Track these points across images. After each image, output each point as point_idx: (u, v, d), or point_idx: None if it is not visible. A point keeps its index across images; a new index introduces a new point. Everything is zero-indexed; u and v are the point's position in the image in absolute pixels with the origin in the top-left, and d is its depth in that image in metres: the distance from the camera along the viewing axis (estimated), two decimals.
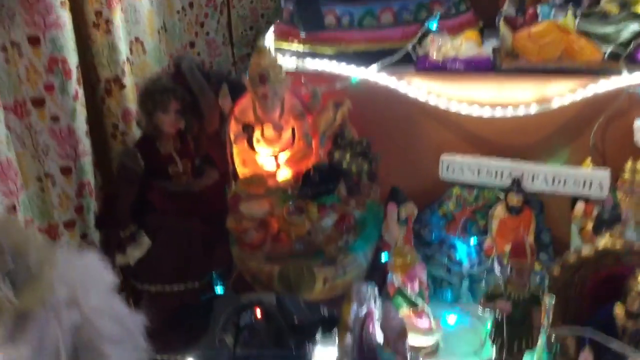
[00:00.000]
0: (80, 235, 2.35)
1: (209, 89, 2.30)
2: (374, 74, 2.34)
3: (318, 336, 1.61)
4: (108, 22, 2.45)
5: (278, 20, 2.64)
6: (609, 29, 2.24)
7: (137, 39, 2.79)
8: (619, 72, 2.22)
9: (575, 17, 2.26)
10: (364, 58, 2.39)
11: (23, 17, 2.08)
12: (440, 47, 2.32)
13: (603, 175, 2.11)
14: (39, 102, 2.23)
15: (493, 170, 2.25)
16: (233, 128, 2.16)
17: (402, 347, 1.63)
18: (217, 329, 1.92)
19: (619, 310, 1.67)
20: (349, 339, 1.55)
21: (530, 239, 2.02)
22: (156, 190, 2.33)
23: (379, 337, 1.73)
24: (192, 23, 3.36)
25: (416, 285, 1.96)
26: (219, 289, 2.32)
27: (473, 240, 2.28)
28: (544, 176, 2.18)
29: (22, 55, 2.14)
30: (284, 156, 2.21)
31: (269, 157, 2.20)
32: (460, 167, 2.28)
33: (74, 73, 2.27)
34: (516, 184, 2.17)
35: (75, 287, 1.16)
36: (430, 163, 2.32)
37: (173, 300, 2.28)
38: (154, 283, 2.26)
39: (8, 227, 1.15)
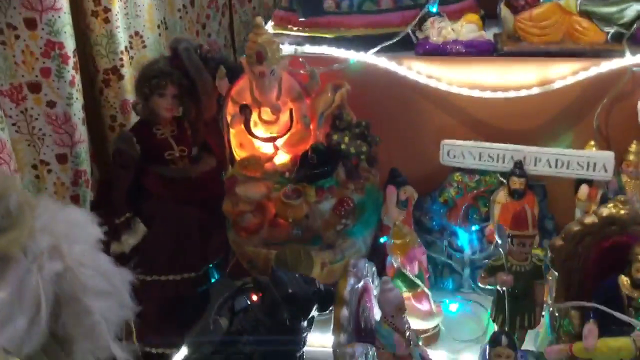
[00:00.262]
0: None
1: (206, 73, 2.27)
2: (373, 58, 2.31)
3: (314, 311, 1.54)
4: (107, 10, 2.43)
5: (277, 8, 2.63)
6: (611, 10, 2.21)
7: (137, 33, 2.77)
8: (622, 53, 2.18)
9: None
10: (364, 42, 2.38)
11: None
12: (440, 29, 2.29)
13: (607, 156, 2.07)
14: (35, 87, 2.20)
15: (495, 154, 2.21)
16: (230, 110, 2.12)
17: (400, 322, 1.57)
18: (212, 313, 1.88)
19: (624, 280, 1.61)
20: (345, 312, 1.50)
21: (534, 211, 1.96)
22: (152, 176, 2.29)
23: (377, 314, 1.68)
24: (193, 22, 3.35)
25: (415, 266, 1.91)
26: (215, 280, 2.27)
27: (475, 227, 2.22)
28: (547, 159, 2.14)
29: (19, 37, 2.12)
30: (281, 139, 2.16)
31: (267, 139, 2.15)
32: (461, 151, 2.24)
33: (71, 59, 2.25)
34: (518, 166, 2.12)
35: (58, 238, 1.13)
36: (431, 148, 2.29)
37: (168, 291, 2.23)
38: (149, 272, 2.21)
39: None
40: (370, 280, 1.71)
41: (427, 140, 2.32)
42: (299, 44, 2.42)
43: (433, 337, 2.01)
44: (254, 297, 1.84)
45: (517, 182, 2.12)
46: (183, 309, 2.21)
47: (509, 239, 1.72)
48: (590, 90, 2.21)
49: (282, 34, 2.52)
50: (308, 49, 2.40)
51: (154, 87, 2.23)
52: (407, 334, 1.62)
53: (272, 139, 2.19)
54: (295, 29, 2.48)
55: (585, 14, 2.25)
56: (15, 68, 2.14)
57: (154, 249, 2.23)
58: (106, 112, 2.58)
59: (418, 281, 1.89)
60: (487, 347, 1.62)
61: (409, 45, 2.40)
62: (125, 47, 2.58)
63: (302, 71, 2.20)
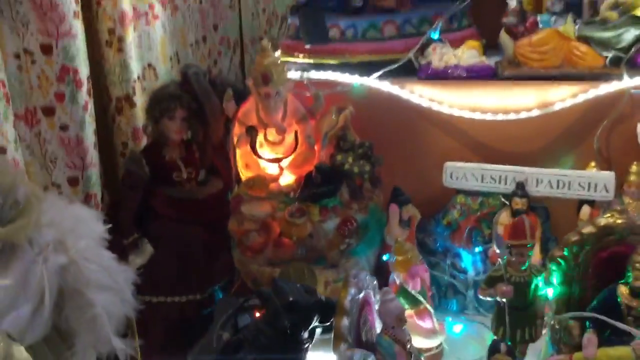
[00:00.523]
0: None
1: (214, 97, 2.34)
2: (376, 82, 2.38)
3: (316, 321, 1.55)
4: (120, 40, 2.52)
5: (285, 37, 2.72)
6: (609, 34, 2.27)
7: (149, 65, 2.86)
8: (620, 77, 2.23)
9: (575, 23, 2.29)
10: (368, 68, 2.45)
11: (37, 25, 2.14)
12: (442, 55, 2.36)
13: (608, 176, 2.09)
14: (49, 111, 2.27)
15: (497, 176, 2.23)
16: (237, 131, 2.18)
17: (400, 333, 1.58)
18: (216, 330, 1.89)
19: (622, 289, 1.61)
20: (345, 322, 1.51)
21: (537, 234, 1.97)
22: (160, 197, 2.34)
23: (378, 327, 1.68)
24: (205, 57, 3.45)
25: (418, 283, 1.91)
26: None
27: (478, 249, 2.23)
28: (548, 180, 2.16)
29: (35, 62, 2.20)
30: (286, 160, 2.21)
31: (272, 160, 2.20)
32: (463, 174, 2.26)
33: (85, 84, 2.33)
34: (520, 187, 2.14)
35: (64, 232, 1.16)
36: (434, 170, 2.32)
37: (174, 313, 2.24)
38: (155, 294, 2.23)
39: None
40: (372, 294, 1.71)
41: (430, 162, 2.35)
42: (305, 69, 2.49)
43: (436, 356, 2.00)
44: (257, 314, 1.85)
45: (519, 203, 2.14)
46: (188, 331, 2.22)
47: (508, 249, 1.73)
48: (590, 112, 2.25)
49: (289, 61, 2.60)
50: (314, 74, 2.47)
51: (164, 110, 2.30)
52: (408, 345, 1.61)
53: (277, 160, 2.24)
54: (301, 56, 2.56)
55: (584, 39, 2.31)
56: (31, 92, 2.21)
57: (160, 270, 2.25)
58: (118, 139, 2.65)
59: (420, 297, 1.89)
60: (486, 356, 1.61)
61: (412, 71, 2.46)
62: (138, 77, 2.66)
63: (307, 94, 2.26)
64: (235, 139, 2.19)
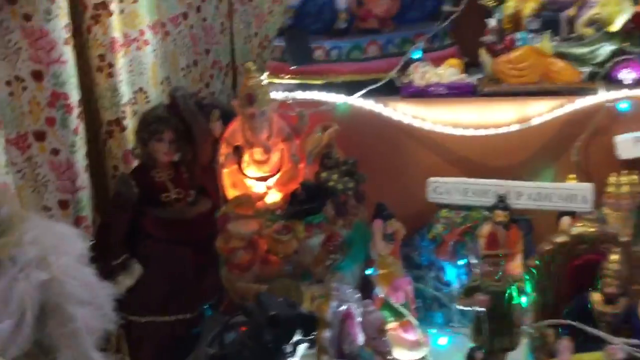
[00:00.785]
0: None
1: (202, 118, 2.39)
2: (360, 100, 2.43)
3: (298, 335, 1.59)
4: (111, 65, 2.58)
5: (270, 59, 2.78)
6: (585, 50, 2.34)
7: (141, 89, 2.91)
8: (596, 92, 2.28)
9: (553, 40, 2.35)
10: (352, 87, 2.51)
11: (28, 52, 2.20)
12: (423, 73, 2.42)
13: (586, 188, 2.13)
14: (40, 135, 2.32)
15: (479, 190, 2.27)
16: (223, 151, 2.23)
17: (381, 344, 1.61)
18: (203, 347, 1.91)
19: (594, 296, 1.65)
20: (327, 334, 1.54)
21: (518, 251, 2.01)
22: (149, 218, 2.37)
23: (361, 338, 1.71)
24: (197, 81, 3.51)
25: (401, 296, 1.95)
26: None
27: (462, 262, 2.27)
28: (529, 193, 2.20)
29: (26, 89, 2.25)
30: (272, 178, 2.26)
31: (259, 179, 2.25)
32: (446, 188, 2.31)
33: (75, 108, 2.37)
34: (501, 200, 2.18)
35: (47, 250, 1.20)
36: (418, 186, 2.36)
37: (163, 332, 2.26)
38: (144, 314, 2.25)
39: None
40: (354, 307, 1.74)
41: (414, 178, 2.40)
42: (290, 90, 2.55)
43: None
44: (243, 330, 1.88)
45: (501, 215, 2.17)
46: (179, 350, 2.24)
47: (483, 260, 1.76)
48: (568, 126, 2.30)
49: (275, 82, 2.66)
50: (299, 94, 2.53)
51: (152, 132, 2.34)
52: (389, 356, 1.64)
53: (263, 178, 2.28)
54: (287, 77, 2.62)
55: (561, 56, 2.38)
56: (22, 117, 2.26)
57: (149, 290, 2.27)
58: (109, 164, 2.68)
59: (404, 310, 1.92)
60: None
61: (395, 90, 2.52)
62: (129, 101, 2.71)
63: (291, 113, 2.32)
64: (222, 159, 2.24)
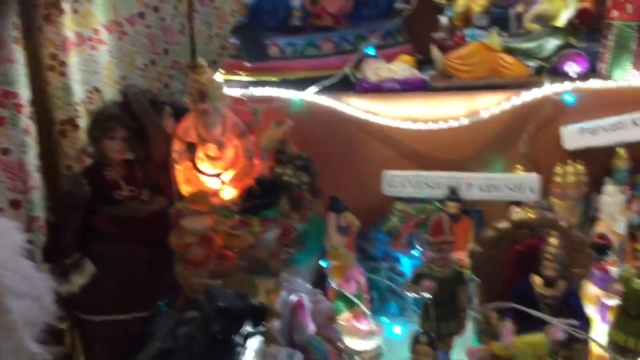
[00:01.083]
0: None
1: (155, 116, 2.37)
2: (315, 96, 2.45)
3: (249, 326, 1.59)
4: (62, 64, 2.54)
5: (219, 54, 2.78)
6: (531, 45, 2.41)
7: (96, 89, 2.87)
8: (542, 85, 2.34)
9: (501, 36, 2.41)
10: (307, 84, 2.53)
11: None
12: (377, 69, 2.45)
13: (533, 178, 2.19)
14: None
15: (432, 182, 2.32)
16: (176, 147, 2.22)
17: (331, 332, 1.62)
18: (156, 343, 1.90)
19: (536, 279, 1.69)
20: (276, 324, 1.55)
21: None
22: (102, 216, 2.34)
23: (311, 328, 1.72)
24: (155, 81, 3.48)
25: (353, 286, 1.97)
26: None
27: (416, 253, 2.30)
28: (479, 184, 2.25)
29: None
30: (227, 174, 2.26)
31: (213, 175, 2.24)
32: (401, 181, 2.34)
33: (25, 108, 2.33)
34: (453, 192, 2.23)
35: None
36: (373, 179, 2.39)
37: (119, 331, 2.24)
38: (98, 313, 2.23)
39: None
40: (305, 297, 1.76)
41: (369, 171, 2.43)
42: (245, 87, 2.56)
43: (374, 358, 2.04)
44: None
45: (452, 207, 2.23)
46: (135, 349, 2.21)
47: (429, 247, 1.80)
48: (516, 119, 2.36)
49: (231, 80, 2.66)
50: (255, 91, 2.53)
51: (104, 130, 2.31)
52: (339, 344, 1.65)
53: (218, 174, 2.28)
54: (243, 74, 2.62)
55: (509, 51, 2.43)
56: None
57: (103, 288, 2.25)
58: (62, 163, 2.64)
59: (356, 300, 1.94)
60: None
61: (349, 86, 2.55)
62: (82, 100, 2.68)
63: (245, 109, 2.32)
64: (175, 156, 2.23)
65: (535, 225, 1.74)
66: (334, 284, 1.97)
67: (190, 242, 2.16)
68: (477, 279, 1.77)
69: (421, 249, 1.82)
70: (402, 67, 2.47)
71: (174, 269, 2.28)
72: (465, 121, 2.35)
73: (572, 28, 2.42)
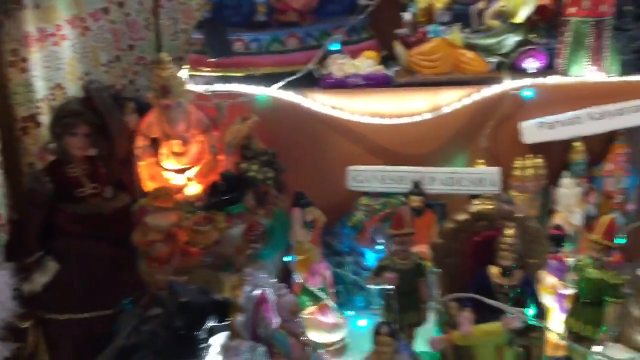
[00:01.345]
0: None
1: (118, 112, 2.36)
2: (280, 92, 2.46)
3: (212, 321, 1.59)
4: (24, 60, 2.51)
5: (187, 51, 2.77)
6: (492, 41, 2.45)
7: (58, 85, 2.84)
8: (503, 80, 2.39)
9: (462, 32, 2.45)
10: (272, 80, 2.53)
11: None
12: (341, 65, 2.47)
13: (493, 171, 2.24)
14: None
15: (396, 177, 2.35)
16: (139, 143, 2.21)
17: (294, 325, 1.64)
18: (121, 340, 1.89)
19: (493, 269, 1.74)
20: (240, 318, 1.55)
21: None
22: (64, 214, 2.32)
23: (276, 321, 1.73)
24: (120, 77, 3.44)
25: (318, 280, 1.98)
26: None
27: (381, 247, 2.33)
28: (442, 178, 2.29)
29: None
30: (192, 170, 2.25)
31: (177, 171, 2.24)
32: (366, 177, 2.37)
33: None
34: (416, 186, 2.26)
35: None
36: (338, 175, 2.41)
37: (84, 329, 2.22)
38: (62, 311, 2.20)
39: None
40: (270, 291, 1.77)
41: (334, 167, 2.45)
42: (210, 82, 2.55)
43: (340, 350, 2.07)
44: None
45: (415, 201, 2.26)
46: (99, 347, 2.20)
47: (391, 239, 1.82)
48: (477, 114, 2.40)
49: (196, 75, 2.65)
50: (219, 87, 2.53)
51: (66, 126, 2.29)
52: (303, 338, 1.67)
53: (182, 170, 2.27)
54: (207, 69, 2.62)
55: (470, 47, 2.47)
56: None
57: (67, 287, 2.23)
58: (24, 161, 2.61)
59: (321, 293, 1.96)
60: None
61: (314, 81, 2.56)
62: (45, 96, 2.64)
63: (210, 105, 2.32)
64: (138, 152, 2.21)
65: (492, 217, 1.78)
66: (299, 278, 1.98)
67: (154, 239, 2.15)
68: (438, 270, 1.80)
69: (383, 242, 1.84)
70: (366, 63, 2.50)
71: (138, 267, 2.27)
72: (428, 116, 2.38)
73: (531, 24, 2.47)
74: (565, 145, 2.33)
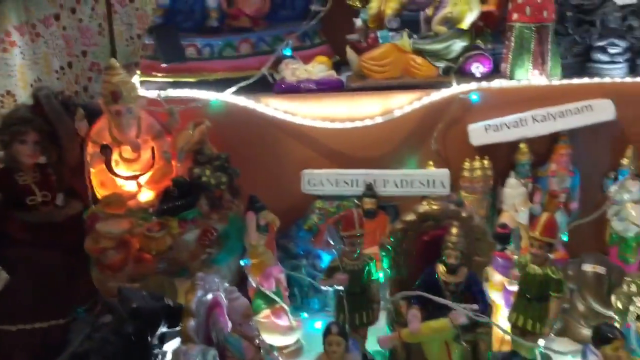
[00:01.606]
0: None
1: (67, 118, 2.33)
2: (233, 97, 2.48)
3: (164, 327, 1.59)
4: None
5: (142, 57, 2.76)
6: (439, 47, 2.51)
7: (8, 92, 2.80)
8: (450, 85, 2.46)
9: (411, 38, 2.51)
10: (225, 85, 2.54)
11: None
12: (294, 70, 2.50)
13: (443, 173, 2.30)
14: None
15: (349, 180, 2.39)
16: (90, 150, 2.19)
17: (247, 329, 1.65)
18: (73, 348, 1.87)
19: (440, 267, 1.79)
20: (192, 323, 1.56)
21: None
22: (15, 222, 2.28)
23: (229, 325, 1.74)
24: (73, 83, 3.40)
25: (272, 283, 2.00)
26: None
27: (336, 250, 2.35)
28: (394, 180, 2.34)
29: None
30: (144, 176, 2.24)
31: (129, 177, 2.23)
32: (320, 179, 2.40)
33: None
34: (369, 188, 2.30)
35: None
36: (293, 178, 2.44)
37: (37, 339, 2.19)
38: (14, 322, 2.17)
39: None
40: (222, 295, 1.78)
41: (289, 171, 2.48)
42: (163, 88, 2.55)
43: (295, 352, 2.09)
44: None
45: (368, 203, 2.30)
46: (53, 357, 2.17)
47: (341, 240, 1.86)
48: (427, 117, 2.46)
49: (148, 81, 2.64)
50: (172, 92, 2.53)
51: (15, 134, 2.26)
52: (256, 340, 1.69)
53: (134, 177, 2.26)
54: (159, 75, 2.61)
55: (418, 52, 2.53)
56: None
57: (18, 296, 2.19)
58: None
59: (275, 297, 1.97)
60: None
61: (267, 86, 2.59)
62: None
63: (161, 110, 2.32)
64: (89, 158, 2.20)
65: (439, 217, 1.83)
66: (253, 281, 1.99)
67: (106, 246, 2.13)
68: (387, 270, 1.84)
69: (334, 244, 1.88)
70: (319, 68, 2.53)
71: (91, 275, 2.25)
72: (380, 120, 2.43)
73: (477, 30, 2.55)
74: (511, 147, 2.41)
